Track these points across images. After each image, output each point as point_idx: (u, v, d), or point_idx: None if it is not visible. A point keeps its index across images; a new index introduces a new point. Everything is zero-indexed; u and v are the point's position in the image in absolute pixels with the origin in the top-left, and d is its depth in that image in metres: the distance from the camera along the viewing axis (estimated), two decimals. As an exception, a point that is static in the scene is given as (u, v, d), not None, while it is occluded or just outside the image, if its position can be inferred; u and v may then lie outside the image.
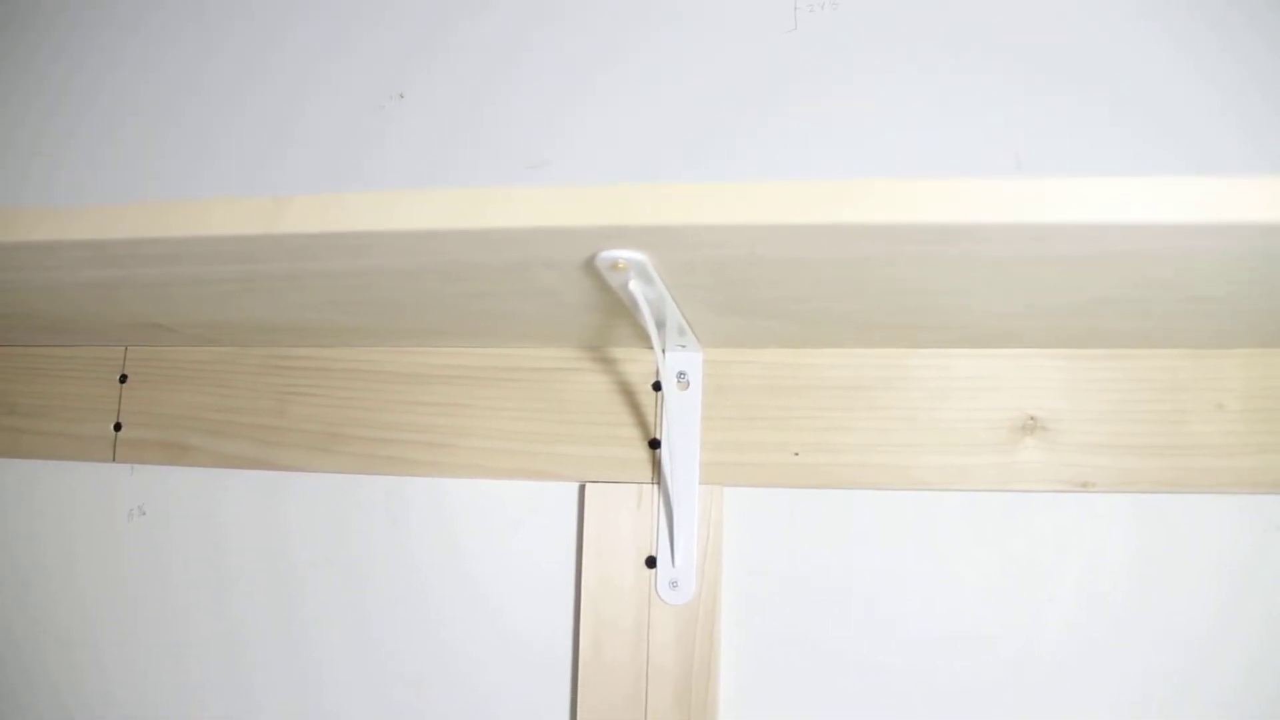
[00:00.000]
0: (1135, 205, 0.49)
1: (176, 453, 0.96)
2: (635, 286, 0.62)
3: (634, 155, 0.95)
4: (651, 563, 0.83)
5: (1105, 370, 0.80)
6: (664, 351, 0.84)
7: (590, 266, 0.60)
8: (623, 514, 0.85)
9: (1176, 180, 0.49)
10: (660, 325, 0.75)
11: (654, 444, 0.85)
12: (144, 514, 0.98)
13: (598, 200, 0.53)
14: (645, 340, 0.73)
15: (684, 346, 0.83)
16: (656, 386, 0.86)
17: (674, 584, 0.82)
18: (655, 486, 0.84)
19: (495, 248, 0.58)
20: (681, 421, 0.84)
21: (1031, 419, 0.80)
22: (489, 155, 0.98)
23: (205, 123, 1.06)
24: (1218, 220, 0.49)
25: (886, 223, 0.51)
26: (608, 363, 0.87)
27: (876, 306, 0.69)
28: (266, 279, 0.69)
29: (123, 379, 0.99)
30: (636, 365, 0.87)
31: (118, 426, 0.98)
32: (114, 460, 0.98)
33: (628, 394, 0.86)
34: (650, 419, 0.86)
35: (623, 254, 0.57)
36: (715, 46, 0.95)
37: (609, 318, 0.75)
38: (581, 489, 0.87)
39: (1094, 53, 0.88)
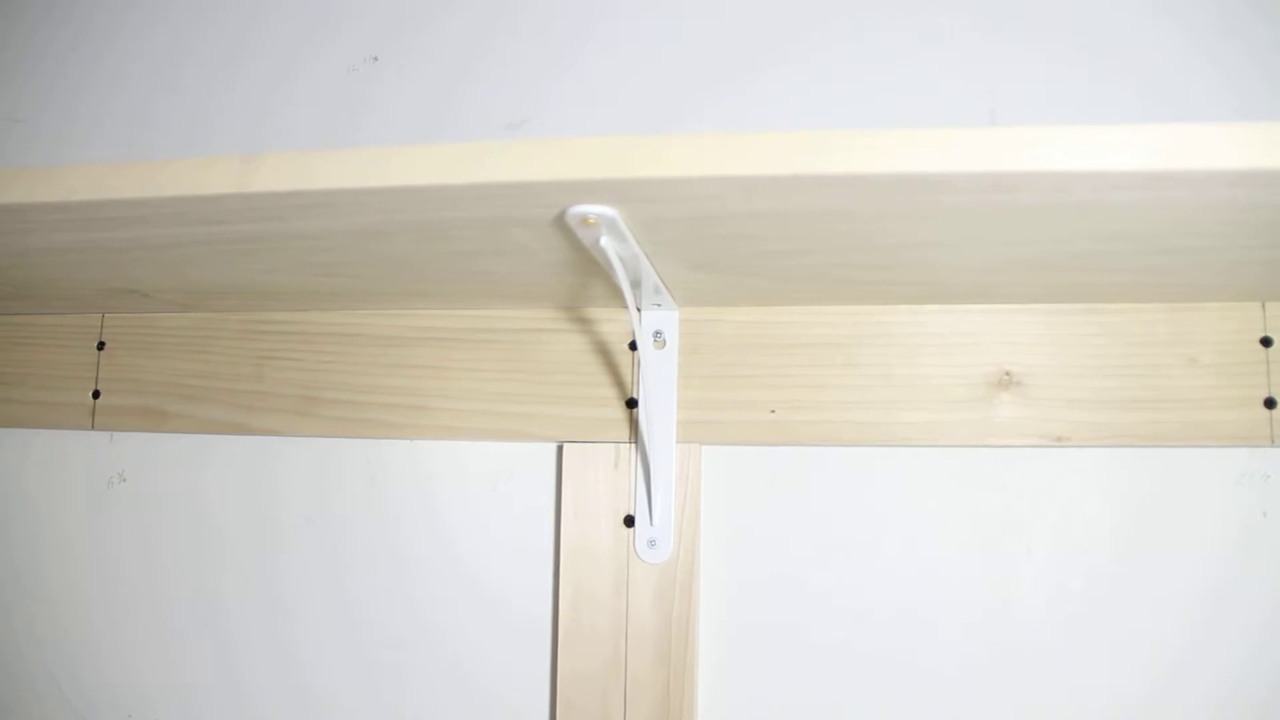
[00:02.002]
0: (1105, 152, 0.50)
1: (156, 419, 0.96)
2: (607, 243, 0.62)
3: (613, 116, 0.95)
4: (630, 522, 0.84)
5: (1080, 325, 0.80)
6: (639, 310, 0.84)
7: (561, 223, 0.60)
8: (600, 473, 0.85)
9: (1144, 128, 0.49)
10: (635, 284, 0.75)
11: (631, 403, 0.85)
12: (124, 480, 0.98)
13: (566, 154, 0.53)
14: (621, 300, 0.73)
15: (659, 305, 0.83)
16: (633, 346, 0.86)
17: (652, 543, 0.83)
18: (633, 446, 0.85)
19: (466, 204, 0.58)
20: (658, 381, 0.84)
21: (1007, 374, 0.80)
22: (465, 116, 0.97)
23: (179, 86, 1.05)
24: (1186, 167, 0.49)
25: (857, 173, 0.51)
26: (584, 323, 0.87)
27: (850, 261, 0.69)
28: (238, 241, 0.68)
29: (101, 346, 0.98)
30: (613, 325, 0.87)
31: (96, 394, 0.98)
32: (93, 428, 0.97)
33: (604, 354, 0.86)
34: (627, 378, 0.86)
35: (592, 209, 0.57)
36: (693, 9, 0.95)
37: (584, 277, 0.75)
38: (559, 449, 0.87)
39: (1070, 3, 0.88)
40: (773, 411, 0.83)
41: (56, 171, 0.60)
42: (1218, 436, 0.77)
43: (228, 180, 0.58)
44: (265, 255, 0.73)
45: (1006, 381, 0.80)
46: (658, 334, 0.84)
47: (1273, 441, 0.77)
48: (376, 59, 1.00)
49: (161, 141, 1.03)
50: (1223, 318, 0.78)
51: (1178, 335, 0.79)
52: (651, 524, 0.83)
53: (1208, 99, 0.84)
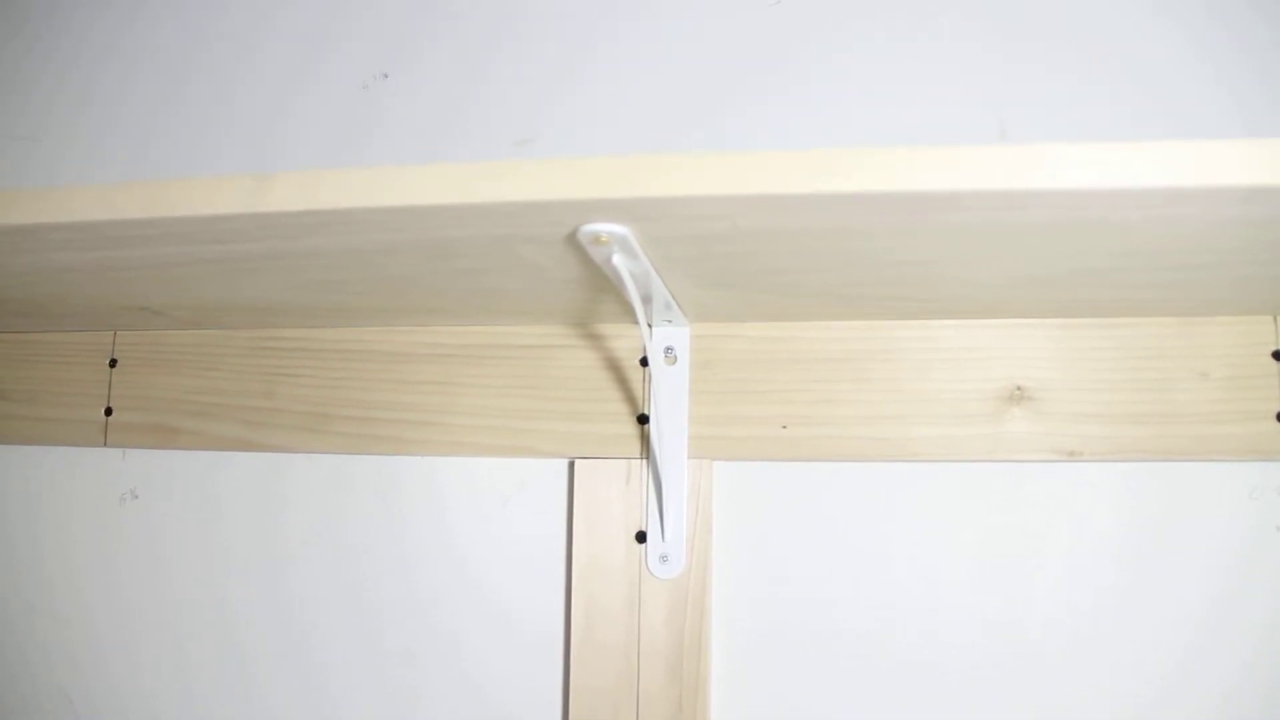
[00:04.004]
0: (1117, 170, 0.49)
1: (167, 436, 0.96)
2: (619, 260, 0.62)
3: (621, 132, 0.95)
4: (641, 538, 0.84)
5: (1091, 340, 0.80)
6: (650, 326, 0.84)
7: (573, 241, 0.60)
8: (612, 489, 0.85)
9: (1156, 145, 0.49)
10: (646, 300, 0.75)
11: (642, 419, 0.85)
12: (136, 497, 0.98)
13: (578, 173, 0.53)
14: (632, 315, 0.73)
15: (670, 321, 0.83)
16: (644, 362, 0.86)
17: (664, 558, 0.83)
18: (644, 462, 0.85)
19: (477, 223, 0.58)
20: (669, 396, 0.84)
21: (1018, 389, 0.80)
22: (475, 132, 0.97)
23: (187, 103, 1.06)
24: (1198, 184, 0.49)
25: (868, 191, 0.51)
26: (595, 339, 0.87)
27: (861, 278, 0.69)
28: (249, 259, 0.68)
29: (113, 363, 0.99)
30: (624, 341, 0.87)
31: (108, 411, 0.98)
32: (105, 444, 0.98)
33: (615, 370, 0.86)
34: (638, 394, 0.86)
35: (605, 228, 0.57)
36: (699, 23, 0.95)
37: (595, 293, 0.75)
38: (571, 465, 0.87)
39: (1076, 17, 0.88)
40: (784, 427, 0.83)
41: (65, 191, 0.60)
42: (1229, 451, 0.77)
43: (239, 200, 0.58)
44: (275, 273, 0.73)
45: (1018, 396, 0.80)
46: (669, 350, 0.84)
47: (1285, 455, 0.77)
48: (387, 75, 1.00)
49: (168, 159, 1.04)
50: (1234, 332, 0.78)
51: (1189, 349, 0.78)
52: (663, 539, 0.83)
53: (1214, 113, 0.84)
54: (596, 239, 0.58)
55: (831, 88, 0.91)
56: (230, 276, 0.74)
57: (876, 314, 0.81)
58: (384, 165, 0.56)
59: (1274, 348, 0.78)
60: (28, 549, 1.00)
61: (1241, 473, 0.79)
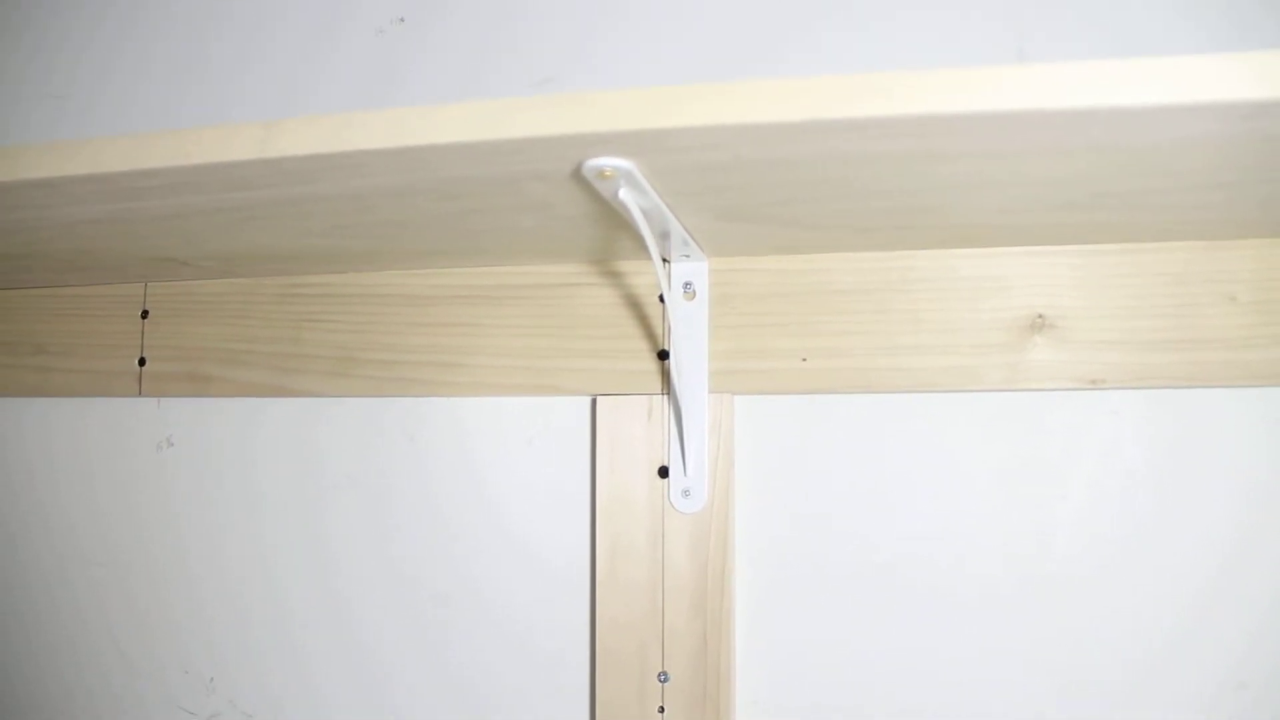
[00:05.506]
0: (1133, 87, 0.48)
1: (200, 384, 0.98)
2: (626, 195, 0.62)
3: (640, 74, 0.94)
4: (664, 473, 0.84)
5: (1114, 265, 0.79)
6: (666, 261, 0.84)
7: (579, 176, 0.60)
8: (634, 425, 0.85)
9: (1168, 61, 0.48)
10: (662, 236, 0.75)
11: (663, 355, 0.85)
12: (172, 444, 1.01)
13: (577, 107, 0.53)
14: (649, 251, 0.73)
15: (688, 256, 0.83)
16: (664, 298, 0.86)
17: (687, 493, 0.83)
18: (665, 397, 0.85)
19: (481, 163, 0.58)
20: (689, 331, 0.84)
21: (1040, 317, 0.79)
22: (492, 76, 0.97)
23: (213, 56, 1.06)
24: (1212, 99, 0.48)
25: (871, 117, 0.51)
26: (614, 275, 0.87)
27: (875, 207, 0.69)
28: (267, 205, 0.69)
29: (144, 314, 1.00)
30: (643, 277, 0.87)
31: (142, 361, 1.00)
32: (140, 394, 1.00)
33: (635, 306, 0.86)
34: (658, 330, 0.86)
35: (608, 162, 0.57)
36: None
37: (610, 230, 0.75)
38: (593, 402, 0.88)
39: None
40: (804, 360, 0.83)
41: (86, 144, 0.62)
42: (1257, 376, 0.76)
43: (250, 146, 0.59)
44: (294, 219, 0.74)
45: (1039, 324, 0.79)
46: (687, 285, 0.84)
47: (1314, 379, 0.75)
48: (403, 20, 1.00)
49: (191, 114, 1.04)
50: (1260, 255, 0.76)
51: (1215, 273, 0.77)
52: (685, 474, 0.83)
53: (1235, 28, 0.82)
54: (601, 174, 0.58)
55: (847, 11, 0.89)
56: (248, 224, 0.75)
57: (895, 244, 0.80)
58: (381, 108, 0.56)
59: (1302, 269, 0.76)
60: (70, 498, 1.03)
61: (1269, 398, 0.78)
